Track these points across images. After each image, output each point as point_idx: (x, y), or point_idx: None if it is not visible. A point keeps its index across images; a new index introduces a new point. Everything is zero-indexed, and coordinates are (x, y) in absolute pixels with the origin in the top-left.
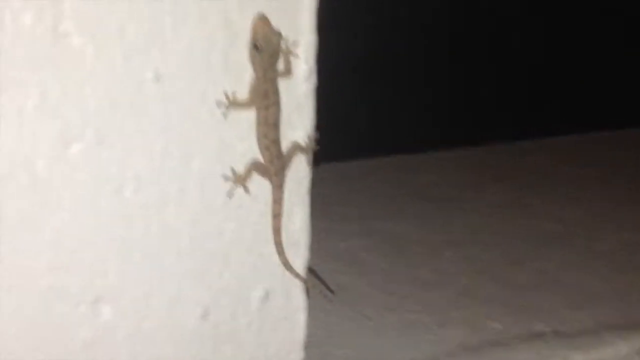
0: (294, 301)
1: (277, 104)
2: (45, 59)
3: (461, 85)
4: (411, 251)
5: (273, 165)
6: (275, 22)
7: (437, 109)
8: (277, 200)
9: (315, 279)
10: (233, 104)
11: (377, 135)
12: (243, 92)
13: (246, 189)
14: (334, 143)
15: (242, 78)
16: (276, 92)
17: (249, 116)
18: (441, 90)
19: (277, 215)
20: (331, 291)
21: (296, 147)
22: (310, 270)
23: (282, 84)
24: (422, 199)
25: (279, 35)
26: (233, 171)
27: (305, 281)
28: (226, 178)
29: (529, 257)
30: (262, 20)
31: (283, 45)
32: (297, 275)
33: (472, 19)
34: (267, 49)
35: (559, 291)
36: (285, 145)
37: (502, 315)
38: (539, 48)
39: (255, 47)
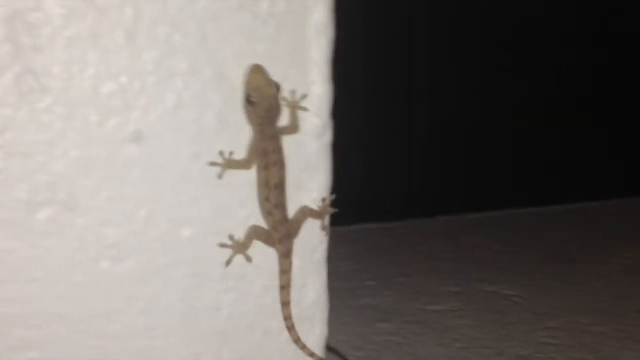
0: None
1: (279, 163)
2: (8, 121)
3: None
4: (510, 319)
5: (277, 232)
6: (281, 74)
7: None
8: (285, 271)
9: (339, 357)
10: (229, 164)
11: (487, 188)
12: (242, 152)
13: (248, 258)
14: (446, 195)
15: (240, 137)
16: (278, 151)
17: (250, 178)
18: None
19: (284, 287)
20: None
21: (307, 212)
22: (331, 349)
23: (291, 141)
24: (541, 259)
25: (275, 86)
26: (232, 239)
27: None
28: (224, 246)
29: None
30: (256, 71)
31: (288, 98)
32: (312, 354)
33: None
34: (262, 102)
35: None
36: (295, 209)
37: None
38: None
39: (249, 100)
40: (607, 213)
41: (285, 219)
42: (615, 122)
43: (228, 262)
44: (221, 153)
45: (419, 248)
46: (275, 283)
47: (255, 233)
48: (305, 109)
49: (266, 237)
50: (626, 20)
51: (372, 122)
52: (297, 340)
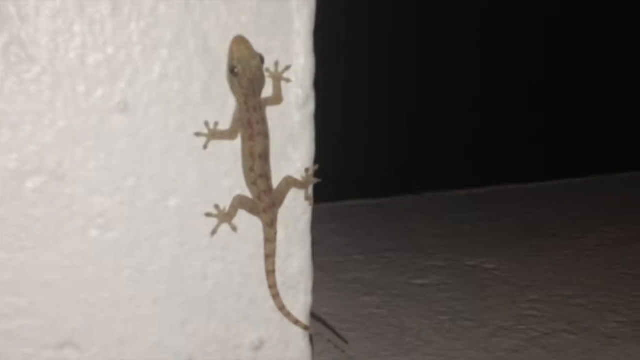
0: (294, 350)
1: (263, 133)
2: None
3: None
4: (492, 291)
5: (262, 201)
6: (264, 45)
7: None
8: (269, 240)
9: (325, 327)
10: (214, 134)
11: (477, 165)
12: (227, 123)
13: (233, 227)
14: (433, 171)
15: (225, 108)
16: (262, 121)
17: (235, 149)
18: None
19: (269, 256)
20: (344, 340)
21: (290, 182)
22: (315, 317)
23: (274, 112)
24: (523, 234)
25: (259, 57)
26: (217, 208)
27: (306, 328)
28: (209, 215)
29: (626, 304)
30: (239, 42)
31: (271, 69)
32: (296, 321)
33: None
34: (245, 72)
35: None
36: (279, 179)
37: None
38: None
39: (232, 71)
40: (586, 189)
41: (269, 188)
42: (598, 101)
43: (214, 231)
44: (206, 123)
45: (404, 223)
46: (260, 252)
47: (240, 202)
48: (288, 80)
49: (251, 206)
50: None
51: (361, 103)
52: (282, 308)
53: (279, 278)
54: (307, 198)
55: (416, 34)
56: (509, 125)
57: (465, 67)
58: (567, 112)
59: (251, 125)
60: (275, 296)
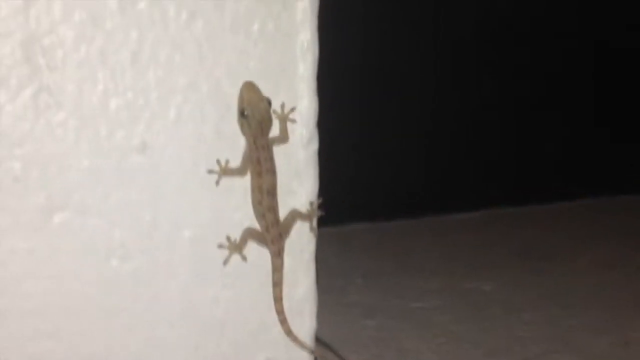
0: None
1: (271, 171)
2: (27, 134)
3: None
4: (488, 313)
5: (269, 232)
6: (271, 89)
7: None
8: (277, 269)
9: (327, 350)
10: (225, 171)
11: (471, 188)
12: (237, 160)
13: (243, 257)
14: (429, 196)
15: (235, 147)
16: (270, 159)
17: (244, 184)
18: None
19: (277, 284)
20: None
21: (296, 215)
22: (320, 340)
23: (280, 151)
24: (517, 256)
25: (266, 100)
26: (228, 239)
27: (311, 351)
28: (221, 247)
29: (618, 324)
30: (248, 87)
31: (278, 111)
32: (302, 345)
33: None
34: (255, 115)
35: None
36: (285, 212)
37: None
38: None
39: (242, 114)
40: (575, 213)
41: (277, 221)
42: (583, 122)
43: (225, 261)
44: (218, 161)
45: (402, 247)
46: (269, 280)
47: (249, 234)
48: (293, 121)
49: (259, 237)
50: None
51: (359, 131)
52: (289, 333)
53: (286, 304)
54: (311, 229)
55: (408, 61)
56: (498, 154)
57: (454, 90)
58: (555, 136)
59: (260, 163)
60: (283, 322)
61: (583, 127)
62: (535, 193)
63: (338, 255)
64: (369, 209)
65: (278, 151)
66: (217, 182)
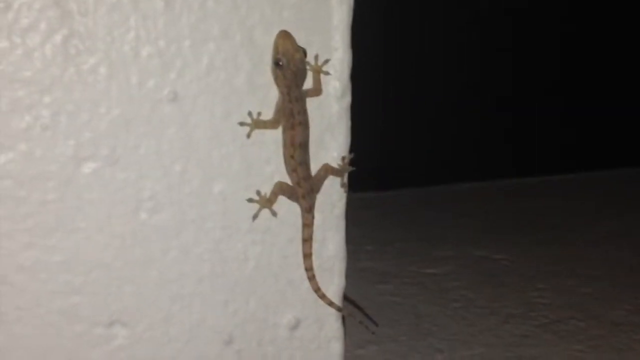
0: (328, 330)
1: (304, 123)
2: (56, 80)
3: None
4: (501, 281)
5: (301, 187)
6: (305, 40)
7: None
8: (307, 224)
9: (356, 309)
10: (257, 124)
11: (479, 159)
12: (269, 113)
13: (273, 212)
14: (439, 166)
15: (268, 98)
16: (303, 112)
17: (276, 137)
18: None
19: (307, 240)
20: (374, 323)
21: (328, 169)
22: (348, 299)
23: (313, 103)
24: (528, 226)
25: (302, 51)
26: (259, 194)
27: (339, 309)
28: (251, 201)
29: (632, 293)
30: (283, 36)
31: (312, 62)
32: (330, 303)
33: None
34: (289, 65)
35: None
36: (317, 166)
37: (588, 353)
38: None
39: (277, 64)
40: (583, 185)
41: (308, 175)
42: (592, 98)
43: (255, 216)
44: (250, 113)
45: (413, 216)
46: (298, 236)
47: (280, 189)
48: (327, 73)
49: (290, 192)
50: None
51: (370, 100)
52: (317, 290)
53: (315, 261)
54: (342, 185)
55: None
56: (512, 123)
57: (468, 64)
58: (563, 110)
59: (292, 115)
60: (312, 279)
61: (591, 103)
62: (545, 164)
63: (348, 222)
64: (379, 178)
65: (311, 104)
66: (249, 135)
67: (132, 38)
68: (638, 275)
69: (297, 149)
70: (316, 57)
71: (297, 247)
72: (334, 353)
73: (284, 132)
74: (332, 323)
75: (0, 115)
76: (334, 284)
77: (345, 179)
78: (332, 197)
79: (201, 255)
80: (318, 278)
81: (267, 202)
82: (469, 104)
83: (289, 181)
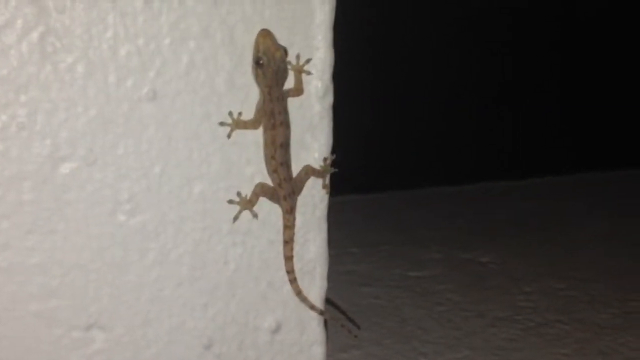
0: (309, 334)
1: (285, 123)
2: (32, 78)
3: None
4: (488, 284)
5: (282, 188)
6: (287, 39)
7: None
8: (288, 226)
9: (339, 312)
10: (238, 124)
11: (466, 161)
12: (250, 112)
13: (254, 214)
14: (425, 168)
15: (248, 98)
16: (284, 112)
17: (257, 138)
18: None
19: (288, 242)
20: (357, 326)
21: (309, 171)
22: (330, 302)
23: (295, 103)
24: (514, 229)
25: (282, 50)
26: (239, 195)
27: (321, 312)
28: (232, 202)
29: (618, 296)
30: (264, 35)
31: (293, 62)
32: (312, 306)
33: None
34: (270, 64)
35: None
36: (298, 167)
37: (573, 356)
38: None
39: (257, 63)
40: (570, 187)
41: (289, 176)
42: (587, 99)
43: (235, 218)
44: (230, 113)
45: (398, 218)
46: (280, 238)
47: (261, 190)
48: (309, 73)
49: (271, 193)
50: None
51: (354, 102)
52: (299, 293)
53: (297, 264)
54: (324, 186)
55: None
56: (500, 125)
57: (455, 64)
58: (552, 112)
59: (273, 115)
60: (293, 281)
61: (580, 103)
62: (533, 166)
63: (332, 226)
64: (364, 180)
65: (292, 103)
66: (229, 135)
67: (111, 36)
68: (624, 278)
69: (278, 150)
70: (298, 57)
71: (278, 249)
72: (315, 357)
73: (264, 132)
74: (313, 327)
75: None
76: (315, 287)
77: (327, 180)
78: (314, 199)
79: (180, 258)
80: (299, 281)
81: (247, 204)
82: (456, 105)
83: (270, 182)
